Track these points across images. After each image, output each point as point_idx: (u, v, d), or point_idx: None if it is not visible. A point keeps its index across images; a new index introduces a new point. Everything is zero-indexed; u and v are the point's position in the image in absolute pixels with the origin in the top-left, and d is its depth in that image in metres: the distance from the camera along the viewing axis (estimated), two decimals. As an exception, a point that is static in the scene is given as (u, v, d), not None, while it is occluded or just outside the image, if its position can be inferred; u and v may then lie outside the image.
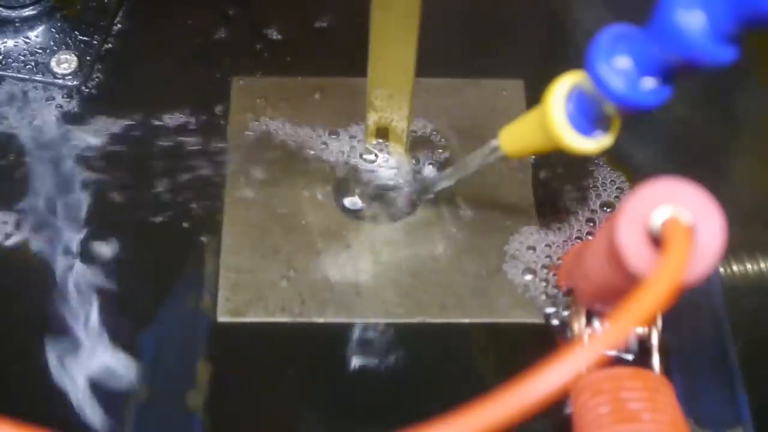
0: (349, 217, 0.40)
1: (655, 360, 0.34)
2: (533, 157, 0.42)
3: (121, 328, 0.37)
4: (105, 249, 0.39)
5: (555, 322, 0.37)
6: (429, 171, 0.41)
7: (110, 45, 0.45)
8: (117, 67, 0.45)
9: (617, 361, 0.34)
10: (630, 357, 0.35)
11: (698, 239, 0.25)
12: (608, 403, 0.30)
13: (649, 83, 0.24)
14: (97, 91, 0.44)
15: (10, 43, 0.44)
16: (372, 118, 0.40)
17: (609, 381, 0.31)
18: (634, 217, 0.26)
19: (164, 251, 0.39)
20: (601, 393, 0.30)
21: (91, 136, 0.42)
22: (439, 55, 0.44)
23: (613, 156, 0.38)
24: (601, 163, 0.42)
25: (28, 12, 0.45)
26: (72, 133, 0.42)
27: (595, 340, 0.21)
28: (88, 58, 0.44)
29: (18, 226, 0.39)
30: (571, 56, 0.45)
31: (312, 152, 0.42)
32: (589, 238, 0.39)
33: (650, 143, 0.43)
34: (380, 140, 0.41)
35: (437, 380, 0.37)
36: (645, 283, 0.22)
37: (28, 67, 0.44)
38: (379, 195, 0.41)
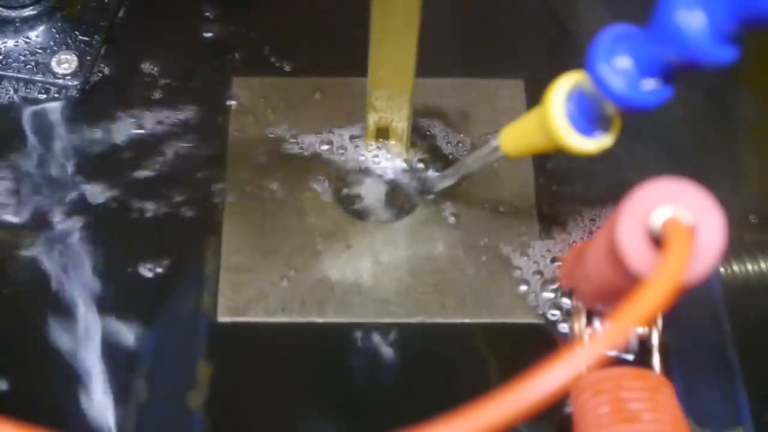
0: (349, 217, 0.40)
1: (656, 360, 0.34)
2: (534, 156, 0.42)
3: (122, 328, 0.37)
4: (104, 248, 0.39)
5: (555, 322, 0.37)
6: (429, 171, 0.41)
7: (110, 45, 0.45)
8: (117, 67, 0.45)
9: (617, 361, 0.34)
10: (630, 357, 0.35)
11: (699, 239, 0.25)
12: (608, 403, 0.30)
13: (649, 83, 0.24)
14: (97, 92, 0.44)
15: (10, 43, 0.44)
16: (372, 119, 0.40)
17: (609, 381, 0.31)
18: (634, 217, 0.26)
19: (164, 251, 0.39)
20: (601, 393, 0.30)
21: (91, 137, 0.42)
22: (439, 55, 0.44)
23: (613, 156, 0.38)
24: (601, 163, 0.42)
25: (28, 12, 0.45)
26: (72, 133, 0.42)
27: (595, 340, 0.21)
28: (88, 58, 0.44)
29: (17, 225, 0.39)
30: (572, 56, 0.45)
31: (312, 152, 0.42)
32: (590, 237, 0.39)
33: (650, 143, 0.43)
34: (381, 140, 0.41)
35: (437, 380, 0.37)
36: (645, 283, 0.22)
37: (28, 67, 0.44)
38: (380, 195, 0.41)
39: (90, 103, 0.43)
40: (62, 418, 0.35)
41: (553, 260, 0.39)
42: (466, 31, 0.47)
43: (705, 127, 0.44)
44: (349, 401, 0.36)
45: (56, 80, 0.43)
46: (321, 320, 0.38)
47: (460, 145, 0.42)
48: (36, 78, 0.43)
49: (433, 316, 0.38)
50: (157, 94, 0.43)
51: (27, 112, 0.43)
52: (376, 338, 0.37)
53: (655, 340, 0.34)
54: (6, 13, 0.45)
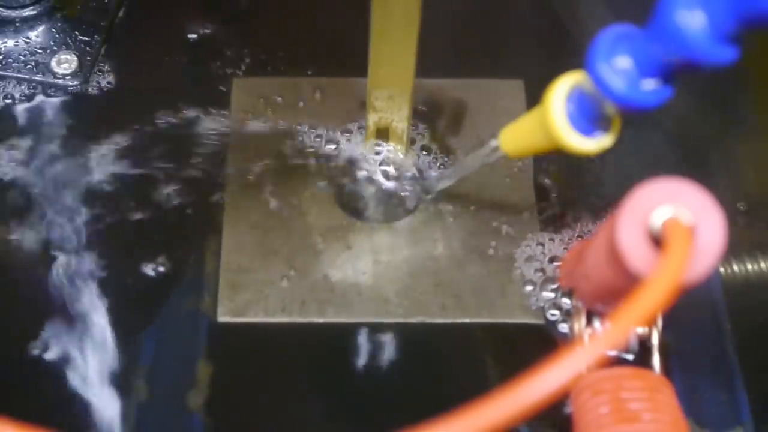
0: (349, 217, 0.40)
1: (656, 360, 0.34)
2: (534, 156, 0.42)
3: (122, 328, 0.37)
4: (104, 249, 0.39)
5: (555, 322, 0.37)
6: (429, 171, 0.41)
7: (110, 45, 0.45)
8: (117, 67, 0.45)
9: (617, 361, 0.34)
10: (630, 357, 0.35)
11: (698, 239, 0.25)
12: (608, 403, 0.30)
13: (649, 83, 0.24)
14: (97, 92, 0.44)
15: (10, 43, 0.44)
16: (372, 119, 0.40)
17: (609, 381, 0.31)
18: (634, 217, 0.26)
19: (164, 251, 0.39)
20: (601, 393, 0.30)
21: (91, 137, 0.42)
22: (439, 55, 0.44)
23: (613, 156, 0.38)
24: (601, 163, 0.42)
25: (28, 12, 0.45)
26: (72, 133, 0.42)
27: (595, 340, 0.21)
28: (88, 58, 0.44)
29: (18, 225, 0.39)
30: (572, 56, 0.45)
31: (312, 152, 0.42)
32: (590, 237, 0.39)
33: (650, 143, 0.43)
34: (380, 140, 0.41)
35: (437, 380, 0.37)
36: (645, 283, 0.22)
37: (28, 67, 0.44)
38: (380, 195, 0.41)
39: (90, 103, 0.43)
40: (62, 418, 0.35)
41: (552, 260, 0.39)
42: (466, 31, 0.47)
43: (705, 126, 0.44)
44: (349, 401, 0.36)
45: (56, 80, 0.43)
46: (321, 320, 0.38)
47: (460, 145, 0.42)
48: (36, 78, 0.43)
49: (433, 316, 0.38)
50: (156, 95, 0.43)
51: (27, 112, 0.43)
52: (376, 338, 0.37)
53: (655, 340, 0.34)
54: (6, 13, 0.45)
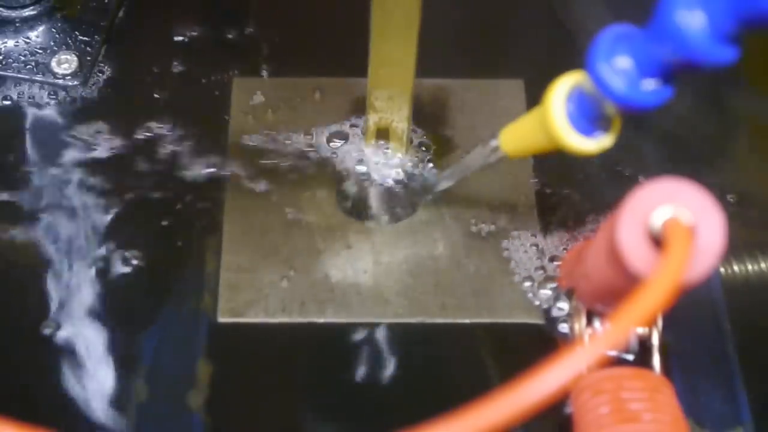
0: (349, 218, 0.40)
1: (656, 360, 0.34)
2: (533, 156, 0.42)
3: (122, 328, 0.37)
4: (105, 249, 0.39)
5: (555, 322, 0.37)
6: (429, 171, 0.41)
7: (110, 45, 0.45)
8: (117, 67, 0.45)
9: (617, 361, 0.34)
10: (630, 357, 0.35)
11: (699, 239, 0.25)
12: (608, 403, 0.30)
13: (649, 83, 0.24)
14: (98, 92, 0.44)
15: (10, 43, 0.44)
16: (372, 119, 0.40)
17: (609, 381, 0.31)
18: (635, 217, 0.26)
19: (164, 251, 0.39)
20: (601, 393, 0.30)
21: (92, 137, 0.42)
22: (439, 55, 0.44)
23: (613, 156, 0.38)
24: (601, 163, 0.42)
25: (28, 12, 0.45)
26: (72, 134, 0.42)
27: (595, 340, 0.21)
28: (88, 58, 0.44)
29: (18, 225, 0.39)
30: (572, 56, 0.45)
31: (312, 152, 0.42)
32: (590, 237, 0.39)
33: (650, 143, 0.43)
34: (380, 141, 0.41)
35: (437, 380, 0.37)
36: (645, 284, 0.22)
37: (28, 67, 0.44)
38: (380, 195, 0.41)
39: (90, 104, 0.43)
40: (62, 418, 0.35)
41: (552, 260, 0.39)
42: (466, 31, 0.47)
43: (705, 127, 0.44)
44: (349, 401, 0.36)
45: (56, 80, 0.43)
46: (321, 320, 0.38)
47: (460, 145, 0.42)
48: (36, 78, 0.43)
49: (433, 316, 0.38)
50: (157, 95, 0.43)
51: (27, 112, 0.43)
52: (376, 338, 0.37)
53: (655, 340, 0.34)
54: (6, 13, 0.45)
